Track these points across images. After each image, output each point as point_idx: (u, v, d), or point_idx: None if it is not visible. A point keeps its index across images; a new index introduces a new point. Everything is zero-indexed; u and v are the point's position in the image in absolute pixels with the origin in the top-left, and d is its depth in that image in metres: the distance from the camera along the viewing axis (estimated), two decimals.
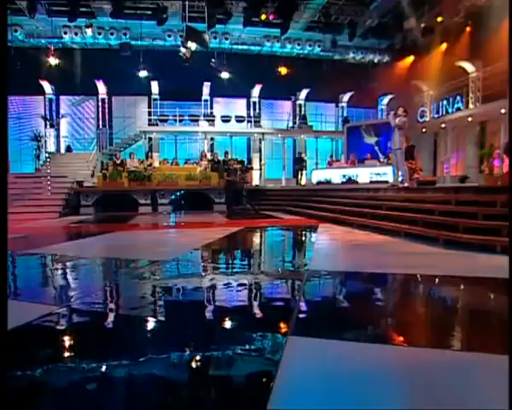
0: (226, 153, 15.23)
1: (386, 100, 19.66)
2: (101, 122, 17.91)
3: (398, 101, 18.31)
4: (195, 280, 3.47)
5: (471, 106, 14.51)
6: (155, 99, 18.00)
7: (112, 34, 16.31)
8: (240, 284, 3.24)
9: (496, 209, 5.25)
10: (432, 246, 5.19)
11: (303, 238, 6.67)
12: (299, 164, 16.95)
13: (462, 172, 15.59)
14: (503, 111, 12.85)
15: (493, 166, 12.59)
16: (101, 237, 6.87)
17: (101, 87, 17.61)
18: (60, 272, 4.00)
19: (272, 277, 3.62)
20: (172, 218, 11.65)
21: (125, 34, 16.34)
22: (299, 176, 16.89)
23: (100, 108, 17.95)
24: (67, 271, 4.02)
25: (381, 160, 13.89)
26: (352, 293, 3.21)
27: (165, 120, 17.59)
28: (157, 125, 17.48)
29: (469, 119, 14.43)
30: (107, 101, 17.99)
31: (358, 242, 5.83)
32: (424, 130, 16.42)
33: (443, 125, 15.47)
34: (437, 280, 3.54)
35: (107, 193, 12.44)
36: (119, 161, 13.61)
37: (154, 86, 17.64)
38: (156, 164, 15.51)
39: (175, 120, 17.41)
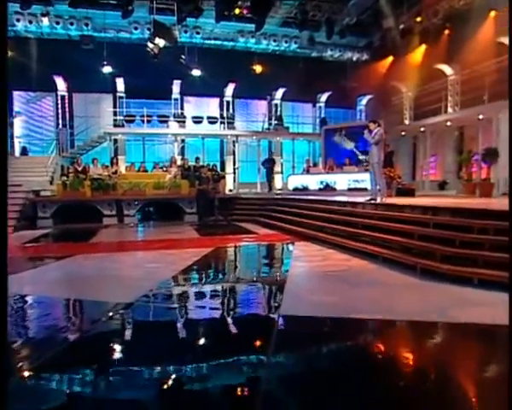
0: (197, 159, 15.05)
1: (364, 100, 19.94)
2: (60, 121, 17.30)
3: (376, 102, 18.64)
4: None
5: (450, 110, 14.92)
6: (121, 97, 17.56)
7: (71, 24, 15.71)
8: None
9: (472, 236, 5.41)
10: (409, 275, 5.29)
11: (276, 269, 6.60)
12: (269, 166, 16.85)
13: (441, 177, 16.06)
14: (480, 117, 13.28)
15: (471, 173, 13.03)
16: (57, 264, 6.63)
17: (61, 83, 17.00)
18: None
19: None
20: (139, 232, 11.42)
21: (86, 25, 15.78)
22: (271, 178, 16.85)
23: (59, 106, 17.33)
24: None
25: (362, 160, 14.01)
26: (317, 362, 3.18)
27: (132, 121, 17.20)
28: (123, 126, 17.07)
29: (448, 123, 14.84)
30: (67, 98, 17.37)
31: (334, 270, 5.87)
32: (403, 133, 16.77)
33: (422, 129, 15.85)
34: (401, 328, 3.59)
35: (67, 203, 12.05)
36: (80, 168, 13.20)
37: (120, 83, 17.20)
38: (122, 169, 15.14)
39: (142, 121, 17.05)
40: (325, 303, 4.19)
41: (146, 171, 14.75)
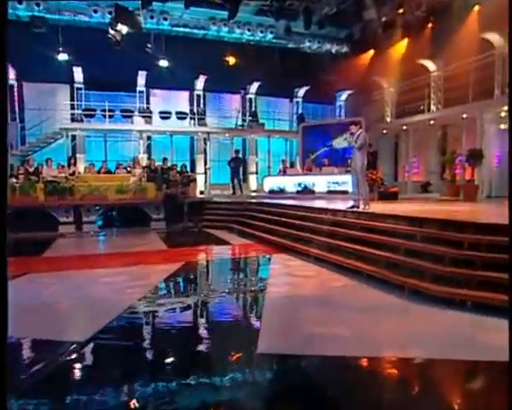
0: (165, 159, 14.57)
1: (344, 96, 19.94)
2: (9, 115, 16.41)
3: (356, 97, 18.66)
4: None
5: (433, 108, 15.06)
6: (79, 89, 16.82)
7: (20, 3, 14.76)
8: None
9: (463, 253, 5.31)
10: (396, 296, 5.14)
11: (252, 293, 6.26)
12: (234, 166, 15.60)
13: (424, 178, 16.23)
14: (464, 116, 13.44)
15: (455, 174, 13.19)
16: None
17: (8, 71, 16.09)
18: None
19: None
20: (98, 242, 10.91)
21: (37, 5, 14.88)
22: (238, 181, 15.62)
23: (7, 97, 16.40)
24: None
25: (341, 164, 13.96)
26: None
27: (92, 115, 16.51)
28: (82, 120, 16.36)
29: (431, 122, 14.97)
30: (16, 88, 16.45)
31: (314, 290, 5.66)
32: (385, 131, 16.84)
33: (404, 128, 15.95)
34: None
35: (17, 210, 11.35)
36: (32, 169, 12.51)
37: (78, 73, 16.46)
38: (81, 169, 14.48)
39: (104, 116, 16.39)
40: (301, 336, 3.95)
41: (108, 172, 14.16)
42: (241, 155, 16.52)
